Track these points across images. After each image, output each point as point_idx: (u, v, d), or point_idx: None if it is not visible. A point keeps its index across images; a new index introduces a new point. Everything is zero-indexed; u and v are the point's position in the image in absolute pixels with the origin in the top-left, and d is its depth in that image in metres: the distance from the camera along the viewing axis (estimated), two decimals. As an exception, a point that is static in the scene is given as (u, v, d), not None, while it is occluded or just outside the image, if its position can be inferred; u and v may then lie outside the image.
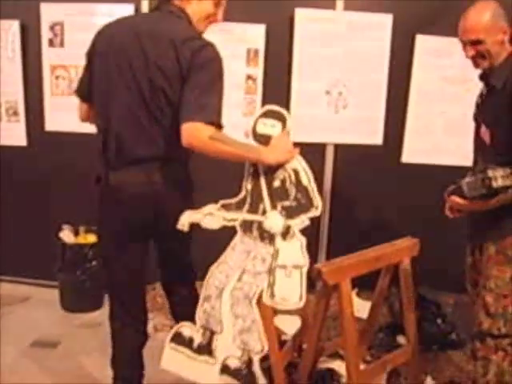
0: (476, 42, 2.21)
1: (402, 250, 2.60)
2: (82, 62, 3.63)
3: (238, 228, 2.18)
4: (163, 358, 2.27)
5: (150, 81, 2.01)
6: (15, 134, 3.82)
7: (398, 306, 3.24)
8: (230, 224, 2.18)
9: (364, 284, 3.21)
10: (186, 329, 2.25)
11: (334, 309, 2.82)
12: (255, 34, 3.54)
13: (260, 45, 3.55)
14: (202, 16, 2.11)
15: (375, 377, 2.67)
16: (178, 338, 2.27)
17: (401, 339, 3.11)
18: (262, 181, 2.12)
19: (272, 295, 2.04)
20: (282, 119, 2.12)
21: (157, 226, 2.20)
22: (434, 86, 3.55)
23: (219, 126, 1.97)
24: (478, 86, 2.40)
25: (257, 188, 2.14)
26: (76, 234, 3.71)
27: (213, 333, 2.17)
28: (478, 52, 2.22)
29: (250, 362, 2.10)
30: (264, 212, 2.10)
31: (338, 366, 2.72)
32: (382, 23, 3.51)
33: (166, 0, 2.11)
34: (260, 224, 2.11)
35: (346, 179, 3.58)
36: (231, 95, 3.54)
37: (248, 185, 2.16)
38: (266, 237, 2.09)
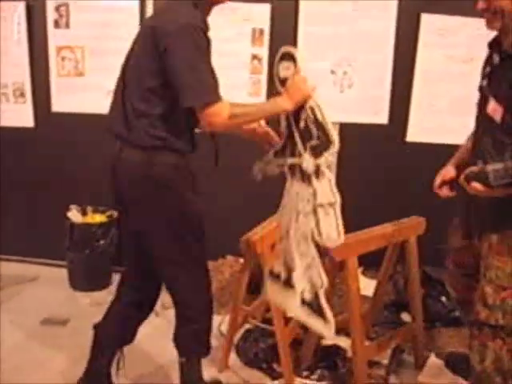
0: None
1: (408, 228, 2.64)
2: (87, 42, 3.67)
3: (287, 172, 2.23)
4: (267, 291, 2.41)
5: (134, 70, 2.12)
6: (22, 116, 3.85)
7: (402, 283, 3.27)
8: (282, 169, 2.25)
9: (369, 262, 3.25)
10: (276, 265, 2.33)
11: (340, 286, 2.87)
12: (260, 14, 3.53)
13: (265, 24, 3.55)
14: None
15: (380, 353, 2.72)
16: (271, 274, 2.37)
17: (405, 316, 3.15)
18: (292, 124, 2.15)
19: (319, 233, 2.07)
20: (294, 59, 2.12)
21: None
22: (439, 65, 3.53)
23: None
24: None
25: (290, 132, 2.18)
26: (84, 213, 3.75)
27: (291, 269, 2.24)
28: (489, 6, 2.01)
29: (317, 296, 2.15)
30: (300, 154, 2.13)
31: (344, 342, 2.76)
32: (388, 2, 3.49)
33: None
34: (300, 166, 2.13)
35: (351, 158, 3.59)
36: (237, 75, 3.58)
37: (284, 130, 2.21)
38: (306, 178, 2.11)
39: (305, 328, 2.77)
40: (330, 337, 2.17)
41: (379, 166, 3.67)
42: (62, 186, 3.87)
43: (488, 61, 2.19)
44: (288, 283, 2.25)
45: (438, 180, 2.34)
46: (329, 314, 2.13)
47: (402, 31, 3.53)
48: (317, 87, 2.10)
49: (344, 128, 3.61)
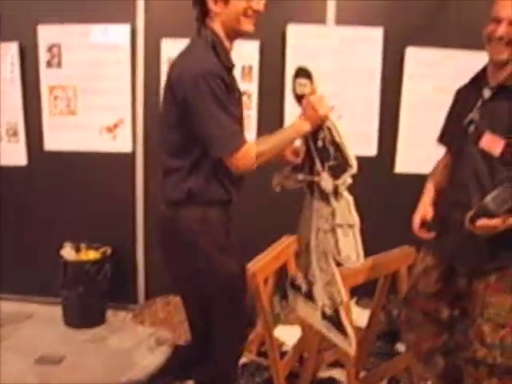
0: None
1: (398, 259, 2.66)
2: (79, 81, 3.72)
3: (306, 188, 2.24)
4: (291, 303, 2.44)
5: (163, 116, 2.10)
6: (15, 154, 3.87)
7: (395, 313, 3.28)
8: (300, 185, 2.26)
9: (363, 292, 3.27)
10: (298, 277, 2.35)
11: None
12: (249, 51, 3.60)
13: (254, 61, 3.62)
14: (234, 19, 2.02)
15: (375, 384, 2.72)
16: (293, 286, 2.39)
17: (400, 346, 3.16)
18: (310, 142, 2.15)
19: (338, 253, 2.07)
20: (309, 77, 2.12)
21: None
22: (425, 97, 3.59)
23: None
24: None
25: (308, 150, 2.18)
26: (77, 250, 3.76)
27: (311, 283, 2.25)
28: (509, 35, 1.97)
29: (337, 312, 2.15)
30: (318, 173, 2.13)
31: (339, 374, 2.76)
32: (373, 36, 3.58)
33: (201, 21, 2.08)
34: (318, 184, 2.13)
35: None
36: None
37: (303, 147, 2.21)
38: (325, 197, 2.10)
39: (300, 361, 2.78)
40: (351, 351, 2.15)
41: (368, 196, 3.70)
42: (56, 223, 3.89)
43: (473, 95, 2.16)
44: (309, 296, 2.28)
45: (417, 221, 2.30)
46: (349, 330, 2.13)
47: (389, 64, 3.60)
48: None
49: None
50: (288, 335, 3.15)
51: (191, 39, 2.11)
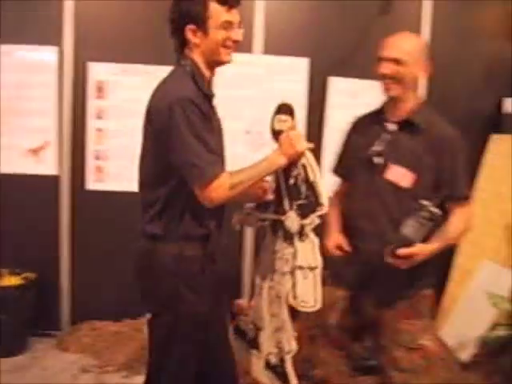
0: (397, 62, 2.13)
1: None
2: (3, 103, 3.64)
3: (267, 228, 2.17)
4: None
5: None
6: None
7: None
8: (263, 224, 2.18)
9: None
10: (241, 322, 2.28)
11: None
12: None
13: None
14: (213, 50, 1.98)
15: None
16: (237, 331, 2.32)
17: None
18: (281, 180, 2.09)
19: (294, 296, 2.00)
20: (291, 113, 2.09)
21: None
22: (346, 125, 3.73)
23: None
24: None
25: (278, 187, 2.12)
26: (-1, 276, 3.65)
27: (259, 328, 2.18)
28: (394, 72, 2.13)
29: (283, 361, 2.09)
30: (285, 212, 2.06)
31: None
32: (299, 66, 3.71)
33: (179, 51, 2.05)
34: (283, 224, 2.06)
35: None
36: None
37: (273, 184, 2.16)
38: (288, 237, 2.03)
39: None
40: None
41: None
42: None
43: (374, 128, 2.27)
44: (254, 343, 2.21)
45: (332, 244, 2.32)
46: (294, 381, 2.07)
47: (313, 93, 3.74)
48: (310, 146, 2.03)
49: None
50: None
51: (172, 69, 2.06)
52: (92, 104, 3.67)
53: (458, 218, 2.20)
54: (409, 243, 1.99)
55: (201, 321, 2.02)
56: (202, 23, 1.94)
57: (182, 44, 2.02)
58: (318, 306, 1.94)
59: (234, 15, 1.97)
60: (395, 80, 2.15)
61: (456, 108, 4.12)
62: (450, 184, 2.20)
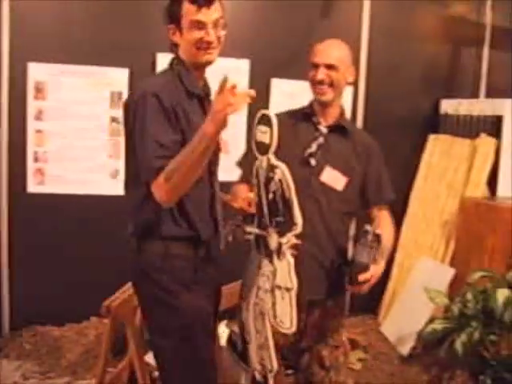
0: (331, 67, 2.18)
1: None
2: None
3: (252, 242, 2.09)
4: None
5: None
6: None
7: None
8: (249, 237, 2.08)
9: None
10: (234, 334, 2.25)
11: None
12: (119, 78, 3.63)
13: (124, 88, 3.65)
14: (188, 49, 1.96)
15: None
16: (229, 342, 2.29)
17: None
18: (262, 193, 1.98)
19: (274, 316, 1.96)
20: (269, 124, 1.90)
21: None
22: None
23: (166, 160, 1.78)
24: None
25: (259, 201, 2.01)
26: None
27: (247, 342, 2.13)
28: (329, 78, 2.18)
29: (266, 379, 2.07)
30: (266, 227, 1.98)
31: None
32: (240, 68, 3.74)
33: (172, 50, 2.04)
34: (265, 240, 1.99)
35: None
36: (97, 137, 3.63)
37: (255, 198, 2.03)
38: (269, 254, 1.98)
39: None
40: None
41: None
42: None
43: (306, 130, 2.27)
44: (243, 356, 2.18)
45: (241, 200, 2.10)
46: None
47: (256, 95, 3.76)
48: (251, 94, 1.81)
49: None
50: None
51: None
52: (31, 105, 3.60)
53: (386, 225, 2.27)
54: (364, 269, 2.05)
55: (198, 313, 1.98)
56: (177, 23, 1.94)
57: (172, 44, 2.01)
58: (294, 328, 1.91)
59: (206, 15, 1.91)
60: (329, 85, 2.21)
61: (395, 109, 4.25)
62: (376, 190, 2.30)
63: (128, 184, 2.03)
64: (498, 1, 4.39)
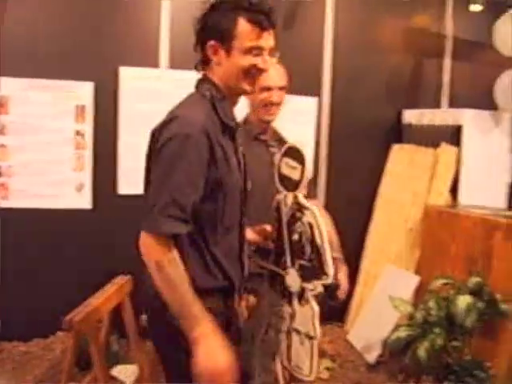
0: (282, 89, 2.30)
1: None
2: None
3: (266, 277, 1.97)
4: None
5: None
6: None
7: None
8: (261, 271, 1.97)
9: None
10: None
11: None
12: (83, 91, 3.62)
13: (88, 101, 3.64)
14: (233, 74, 1.68)
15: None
16: None
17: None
18: (285, 231, 1.85)
19: (288, 359, 1.85)
20: (301, 162, 1.82)
21: None
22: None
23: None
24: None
25: (280, 238, 1.88)
26: None
27: (249, 376, 1.92)
28: (280, 99, 2.30)
29: None
30: (285, 267, 1.85)
31: None
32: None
33: (200, 69, 1.78)
34: (282, 278, 1.87)
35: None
36: (62, 151, 3.61)
37: (274, 233, 1.91)
38: (287, 294, 1.85)
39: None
40: None
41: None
42: None
43: (257, 149, 2.30)
44: None
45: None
46: None
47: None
48: None
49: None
50: (126, 374, 3.15)
51: (190, 93, 1.81)
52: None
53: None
54: (336, 285, 2.14)
55: None
56: (226, 41, 1.66)
57: (203, 62, 1.75)
58: (313, 377, 1.80)
59: (266, 40, 1.67)
60: (279, 105, 2.32)
61: (359, 119, 4.31)
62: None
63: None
64: (458, 13, 4.49)
